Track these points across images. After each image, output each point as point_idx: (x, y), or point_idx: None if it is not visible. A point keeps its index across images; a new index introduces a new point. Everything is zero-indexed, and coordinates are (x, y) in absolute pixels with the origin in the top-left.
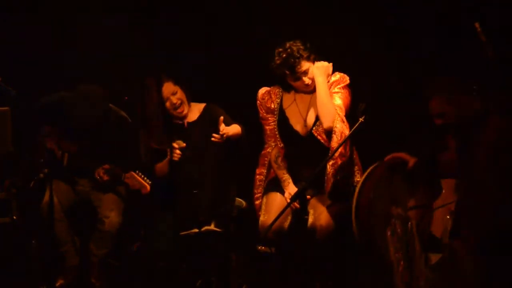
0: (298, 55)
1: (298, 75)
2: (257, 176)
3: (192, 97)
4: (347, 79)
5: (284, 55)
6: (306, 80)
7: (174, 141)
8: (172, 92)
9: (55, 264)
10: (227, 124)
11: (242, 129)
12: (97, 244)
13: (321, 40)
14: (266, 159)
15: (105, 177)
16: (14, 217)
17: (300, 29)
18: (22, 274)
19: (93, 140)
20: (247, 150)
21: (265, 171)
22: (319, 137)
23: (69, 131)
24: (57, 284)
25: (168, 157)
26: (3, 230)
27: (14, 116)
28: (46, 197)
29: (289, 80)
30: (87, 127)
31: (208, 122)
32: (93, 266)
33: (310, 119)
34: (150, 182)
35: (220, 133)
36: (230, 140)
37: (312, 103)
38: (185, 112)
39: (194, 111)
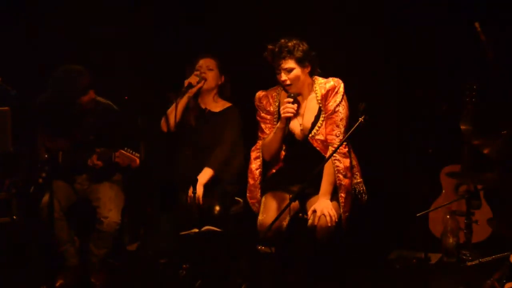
0: (287, 51)
1: (277, 67)
2: (255, 171)
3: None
4: (341, 85)
5: (278, 45)
6: (283, 76)
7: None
8: (208, 66)
9: (55, 264)
10: (229, 132)
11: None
12: (96, 244)
13: (321, 41)
14: (258, 151)
15: (98, 162)
16: (14, 217)
17: (301, 29)
18: (22, 274)
19: (83, 132)
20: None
21: (261, 162)
22: (315, 144)
23: (60, 128)
24: (57, 284)
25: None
26: (3, 230)
27: (14, 116)
28: (46, 197)
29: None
30: (70, 99)
31: (222, 121)
32: (93, 266)
33: (307, 123)
34: (138, 155)
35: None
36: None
37: (308, 107)
38: (205, 86)
39: (218, 105)
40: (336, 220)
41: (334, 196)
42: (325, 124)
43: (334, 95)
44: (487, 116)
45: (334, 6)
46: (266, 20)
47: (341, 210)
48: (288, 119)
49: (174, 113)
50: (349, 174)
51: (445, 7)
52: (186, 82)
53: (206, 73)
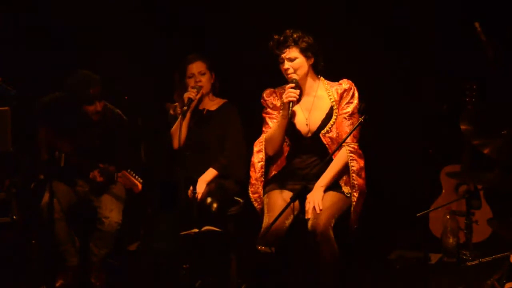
0: (292, 40)
1: (280, 56)
2: (257, 164)
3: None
4: (355, 88)
5: (284, 34)
6: (286, 65)
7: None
8: (200, 71)
9: (55, 264)
10: (230, 128)
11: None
12: (97, 244)
13: (321, 41)
14: (261, 145)
15: (100, 178)
16: (14, 217)
17: (301, 29)
18: (22, 274)
19: (88, 138)
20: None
21: (264, 155)
22: (325, 141)
23: (65, 130)
24: (57, 284)
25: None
26: (3, 230)
27: (14, 116)
28: (46, 197)
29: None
30: (74, 104)
31: (220, 118)
32: (93, 266)
33: (313, 122)
34: (141, 181)
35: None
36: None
37: (317, 105)
38: (204, 91)
39: (214, 103)
40: (321, 208)
41: (338, 189)
42: (341, 124)
43: (352, 97)
44: (487, 116)
45: (333, 6)
46: (265, 19)
47: (352, 209)
48: (289, 105)
49: (180, 130)
50: (363, 175)
51: (445, 7)
52: (185, 98)
53: (201, 80)
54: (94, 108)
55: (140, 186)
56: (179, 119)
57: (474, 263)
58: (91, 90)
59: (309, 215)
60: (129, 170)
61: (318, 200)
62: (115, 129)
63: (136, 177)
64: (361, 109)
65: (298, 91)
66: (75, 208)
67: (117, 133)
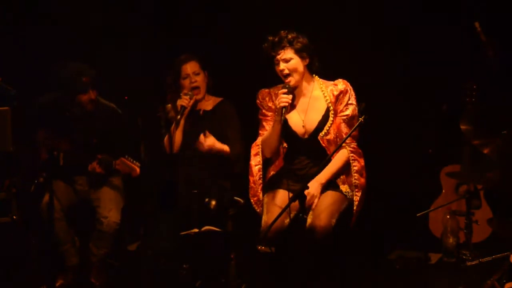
0: (287, 41)
1: (276, 57)
2: (255, 168)
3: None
4: (351, 87)
5: (278, 35)
6: (282, 66)
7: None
8: (194, 71)
9: (55, 264)
10: (229, 124)
11: (231, 150)
12: (96, 244)
13: (321, 40)
14: (258, 148)
15: (99, 169)
16: (14, 217)
17: (300, 29)
18: (22, 274)
19: (85, 133)
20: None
21: (261, 158)
22: (324, 143)
23: (62, 129)
24: (57, 284)
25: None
26: (3, 230)
27: (14, 116)
28: (46, 197)
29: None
30: (68, 95)
31: (217, 117)
32: (93, 266)
33: (310, 123)
34: (139, 165)
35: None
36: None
37: (313, 106)
38: (199, 96)
39: (210, 102)
40: (313, 208)
41: (337, 188)
42: (340, 125)
43: (349, 98)
44: (487, 116)
45: (333, 6)
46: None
47: (355, 208)
48: (282, 110)
49: (174, 137)
50: (364, 174)
51: (445, 7)
52: (178, 106)
53: (197, 80)
54: (88, 97)
55: (138, 170)
56: (173, 125)
57: (474, 263)
58: (84, 78)
59: (310, 209)
60: (126, 156)
61: (315, 195)
62: (110, 121)
63: (134, 161)
64: (361, 109)
65: (290, 96)
66: (75, 208)
67: (112, 124)
